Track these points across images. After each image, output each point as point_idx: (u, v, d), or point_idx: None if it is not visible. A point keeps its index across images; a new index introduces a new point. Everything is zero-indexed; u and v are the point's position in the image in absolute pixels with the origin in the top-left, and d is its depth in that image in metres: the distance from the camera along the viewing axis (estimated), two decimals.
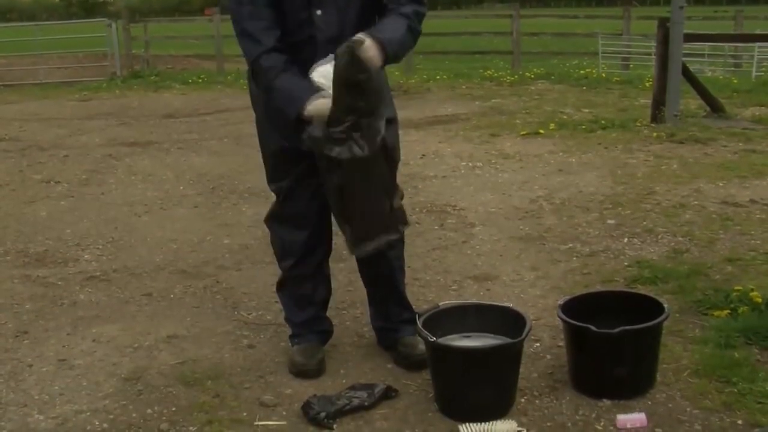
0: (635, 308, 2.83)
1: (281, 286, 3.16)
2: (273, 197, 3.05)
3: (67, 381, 3.01)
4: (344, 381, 2.93)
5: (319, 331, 3.14)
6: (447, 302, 3.02)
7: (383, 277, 3.05)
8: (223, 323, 3.52)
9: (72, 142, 8.39)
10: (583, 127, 7.99)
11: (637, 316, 2.73)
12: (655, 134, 7.40)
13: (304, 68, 2.71)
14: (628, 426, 2.54)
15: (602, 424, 2.58)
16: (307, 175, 2.87)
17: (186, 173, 6.68)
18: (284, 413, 2.72)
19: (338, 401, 2.69)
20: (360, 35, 2.57)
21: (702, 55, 14.86)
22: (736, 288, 3.52)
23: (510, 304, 2.96)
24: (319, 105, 2.61)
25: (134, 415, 2.75)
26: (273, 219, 3.07)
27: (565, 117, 8.80)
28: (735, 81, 11.86)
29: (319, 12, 2.73)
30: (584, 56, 16.72)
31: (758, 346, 3.04)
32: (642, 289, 3.60)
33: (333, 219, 2.91)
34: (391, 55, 2.63)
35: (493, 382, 2.63)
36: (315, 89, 2.64)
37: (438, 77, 13.36)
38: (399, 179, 2.87)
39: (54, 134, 8.96)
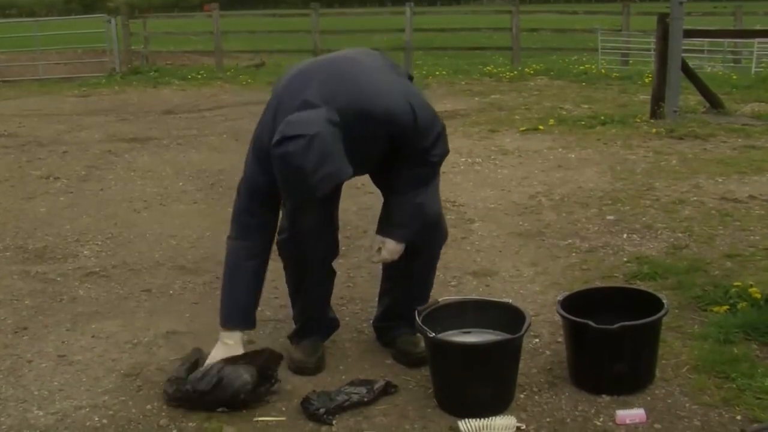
0: (634, 304, 2.83)
1: (296, 293, 3.08)
2: None
3: (66, 377, 3.01)
4: (343, 377, 2.93)
5: (322, 328, 3.13)
6: (446, 298, 3.02)
7: (408, 280, 3.02)
8: None
9: (71, 138, 8.39)
10: (583, 123, 7.99)
11: (637, 312, 2.72)
12: (654, 130, 7.40)
13: None
14: (628, 422, 2.54)
15: (601, 419, 2.58)
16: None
17: (185, 169, 6.67)
18: (283, 409, 2.72)
19: (337, 397, 2.69)
20: None
21: (701, 51, 14.86)
22: (736, 284, 3.52)
23: (509, 300, 2.96)
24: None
25: (134, 410, 2.75)
26: (285, 236, 2.94)
27: (564, 113, 8.80)
28: (734, 77, 11.86)
29: None
30: (583, 52, 16.72)
31: (757, 341, 3.04)
32: (641, 285, 3.59)
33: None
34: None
35: (492, 377, 2.63)
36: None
37: (437, 73, 13.35)
38: None
39: (53, 130, 8.96)
